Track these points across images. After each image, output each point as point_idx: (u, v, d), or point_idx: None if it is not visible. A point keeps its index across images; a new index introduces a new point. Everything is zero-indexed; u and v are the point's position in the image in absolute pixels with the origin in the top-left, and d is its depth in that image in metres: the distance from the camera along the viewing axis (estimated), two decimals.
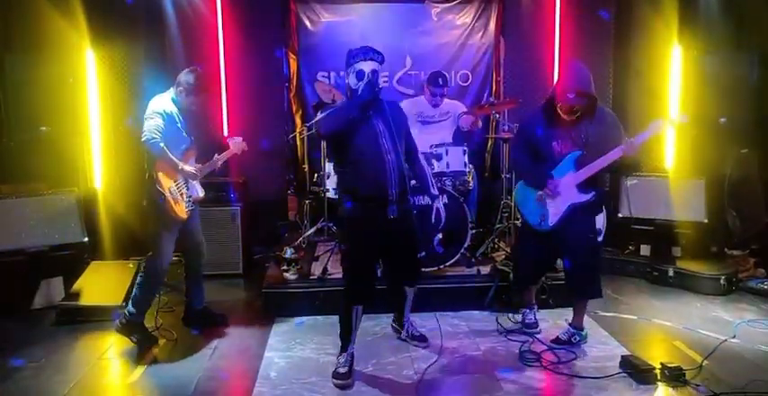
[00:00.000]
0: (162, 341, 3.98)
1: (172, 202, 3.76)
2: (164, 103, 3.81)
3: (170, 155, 3.74)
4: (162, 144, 3.66)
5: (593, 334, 4.00)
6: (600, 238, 4.17)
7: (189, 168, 3.88)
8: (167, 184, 3.78)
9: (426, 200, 3.99)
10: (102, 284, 4.65)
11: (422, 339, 3.89)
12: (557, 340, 3.88)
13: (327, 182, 5.10)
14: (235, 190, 5.44)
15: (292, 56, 6.02)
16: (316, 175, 5.45)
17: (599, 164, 3.58)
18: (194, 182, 3.99)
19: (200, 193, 4.06)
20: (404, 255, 3.59)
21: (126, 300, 4.26)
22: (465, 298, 4.49)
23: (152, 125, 3.67)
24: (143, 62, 5.61)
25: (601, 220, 4.19)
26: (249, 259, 5.51)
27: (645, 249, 5.37)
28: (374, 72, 3.29)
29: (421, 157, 3.67)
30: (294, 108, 6.11)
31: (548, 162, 3.71)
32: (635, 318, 4.29)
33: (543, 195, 3.71)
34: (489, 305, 4.44)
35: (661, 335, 4.03)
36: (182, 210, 3.83)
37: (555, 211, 3.70)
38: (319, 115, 3.43)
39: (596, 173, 3.63)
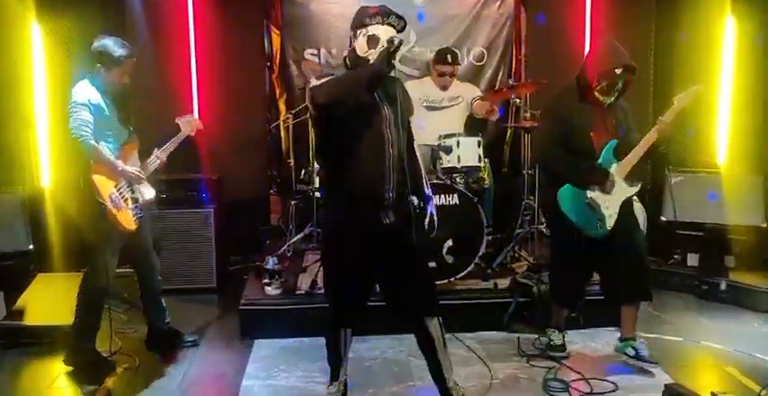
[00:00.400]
0: (120, 369, 3.97)
1: (114, 211, 3.70)
2: (86, 91, 3.73)
3: (105, 154, 3.70)
4: (93, 141, 3.63)
5: (631, 359, 3.99)
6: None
7: (130, 169, 3.83)
8: (107, 190, 3.71)
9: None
10: (51, 300, 4.64)
11: None
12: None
13: (316, 180, 5.11)
14: (207, 189, 5.44)
15: (275, 30, 6.02)
16: (303, 170, 5.45)
17: (640, 150, 3.66)
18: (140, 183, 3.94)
19: (149, 195, 3.97)
20: (408, 273, 3.24)
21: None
22: (480, 316, 4.49)
23: (78, 120, 3.62)
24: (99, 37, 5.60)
25: (642, 217, 4.22)
26: (224, 271, 5.52)
27: (692, 259, 5.37)
28: (391, 40, 2.94)
29: (418, 148, 3.45)
30: (277, 92, 6.11)
31: (582, 157, 3.74)
32: (680, 339, 4.29)
33: (595, 195, 3.75)
34: (509, 325, 4.45)
35: (711, 359, 4.04)
36: (128, 219, 3.78)
37: (611, 211, 3.76)
38: (314, 82, 3.13)
39: (640, 161, 3.72)
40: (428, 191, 3.45)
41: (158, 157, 4.01)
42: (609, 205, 3.75)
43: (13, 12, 5.24)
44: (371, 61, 3.03)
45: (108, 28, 5.53)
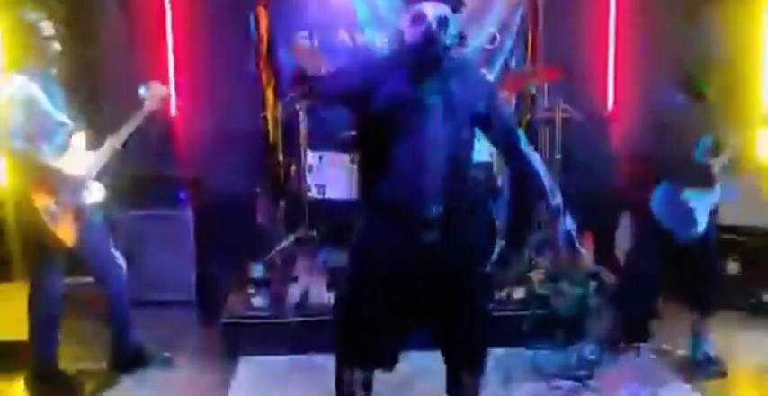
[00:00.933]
0: (93, 384, 3.99)
1: (51, 224, 3.68)
2: (12, 87, 3.64)
3: (40, 159, 3.65)
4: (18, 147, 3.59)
5: (664, 379, 4.01)
6: None
7: (72, 172, 3.77)
8: (42, 201, 3.67)
9: None
10: (13, 314, 4.63)
11: None
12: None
13: (309, 177, 5.11)
14: (185, 187, 5.44)
15: (262, 11, 6.01)
16: (293, 167, 5.45)
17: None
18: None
19: (97, 197, 3.93)
20: (450, 315, 2.87)
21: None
22: (492, 331, 4.48)
23: None
24: (63, 19, 5.60)
25: None
26: (204, 280, 5.51)
27: (733, 267, 5.37)
28: (441, 19, 2.66)
29: (529, 149, 2.93)
30: (265, 79, 6.10)
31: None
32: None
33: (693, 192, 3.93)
34: (526, 340, 4.45)
35: (758, 378, 4.08)
36: (66, 232, 3.75)
37: (703, 209, 3.93)
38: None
39: None
40: (554, 201, 2.89)
41: (112, 145, 3.90)
42: (703, 202, 3.97)
43: None
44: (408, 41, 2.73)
45: (71, 13, 5.58)
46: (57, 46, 3.77)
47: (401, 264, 2.76)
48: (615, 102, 6.15)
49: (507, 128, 2.92)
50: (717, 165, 3.89)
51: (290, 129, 5.71)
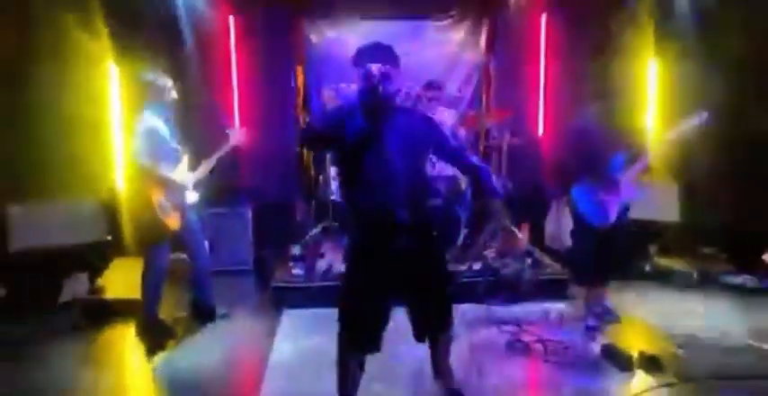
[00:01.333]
0: (182, 331, 4.00)
1: (162, 215, 3.76)
2: (144, 121, 3.77)
3: (156, 171, 3.72)
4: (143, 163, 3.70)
5: (577, 326, 4.01)
6: None
7: (179, 181, 3.86)
8: (156, 198, 3.75)
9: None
10: (125, 280, 4.66)
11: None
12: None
13: (332, 185, 5.12)
14: (246, 194, 5.47)
15: (300, 69, 6.02)
16: (321, 178, 5.45)
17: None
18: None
19: (194, 198, 3.98)
20: (425, 296, 2.77)
21: None
22: (458, 292, 4.48)
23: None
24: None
25: None
26: (259, 257, 5.50)
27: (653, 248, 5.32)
28: (378, 75, 2.52)
29: (478, 161, 2.84)
30: (301, 119, 6.10)
31: None
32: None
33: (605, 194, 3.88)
34: (480, 298, 4.44)
35: (639, 325, 4.03)
36: (172, 221, 3.82)
37: (613, 207, 3.83)
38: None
39: None
40: (497, 196, 2.86)
41: (208, 165, 4.01)
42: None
43: (95, 54, 5.26)
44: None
45: (170, 70, 5.59)
46: (174, 93, 3.89)
47: (384, 259, 2.62)
48: (544, 131, 6.15)
49: (454, 150, 2.79)
50: (625, 177, 3.79)
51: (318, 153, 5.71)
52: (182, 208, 3.89)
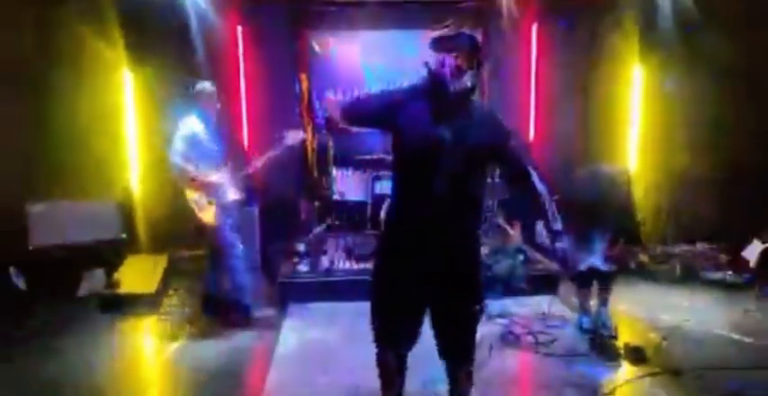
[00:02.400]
0: (192, 323, 3.98)
1: (197, 210, 3.80)
2: (185, 125, 3.80)
3: (190, 170, 3.76)
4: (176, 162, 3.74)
5: (566, 318, 4.01)
6: None
7: (214, 180, 3.86)
8: (191, 195, 3.81)
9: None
10: (138, 275, 4.66)
11: None
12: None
13: (334, 186, 5.12)
14: (254, 193, 5.43)
15: (303, 76, 6.01)
16: (324, 179, 5.44)
17: None
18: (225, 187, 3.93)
19: (231, 197, 3.96)
20: (447, 320, 2.37)
21: (158, 288, 4.29)
22: None
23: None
24: (173, 82, 5.61)
25: None
26: (266, 253, 5.50)
27: None
28: (443, 61, 2.20)
29: (537, 182, 2.35)
30: (305, 122, 6.10)
31: None
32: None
33: None
34: None
35: (625, 318, 4.02)
36: (207, 216, 3.84)
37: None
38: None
39: None
40: (555, 226, 2.40)
41: (254, 165, 4.06)
42: None
43: (110, 60, 5.26)
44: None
45: (180, 77, 5.59)
46: (218, 103, 3.96)
47: (413, 273, 2.29)
48: (535, 133, 6.14)
49: (517, 164, 2.36)
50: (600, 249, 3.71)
51: (321, 154, 5.71)
52: (216, 204, 3.88)
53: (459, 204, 2.23)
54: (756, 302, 4.25)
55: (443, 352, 2.42)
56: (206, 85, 3.89)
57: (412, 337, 2.38)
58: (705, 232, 5.30)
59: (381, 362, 2.46)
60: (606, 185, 3.73)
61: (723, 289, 4.59)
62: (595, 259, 3.67)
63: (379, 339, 2.43)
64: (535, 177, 2.34)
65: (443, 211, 2.20)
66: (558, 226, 2.39)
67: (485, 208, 5.10)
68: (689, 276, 4.84)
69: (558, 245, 2.53)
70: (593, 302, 3.88)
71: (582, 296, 3.90)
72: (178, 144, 3.73)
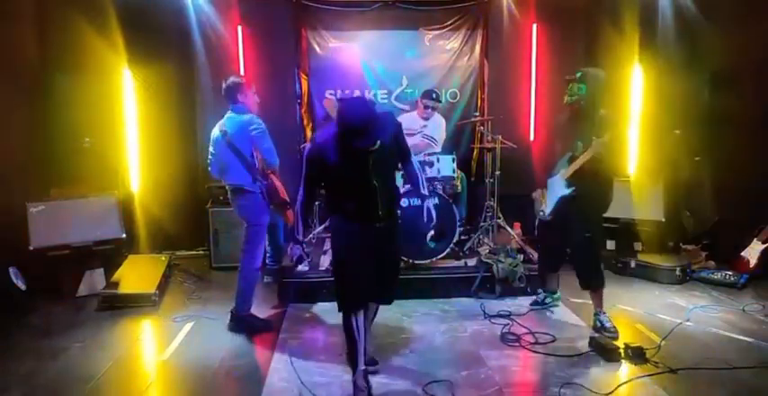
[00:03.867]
0: (191, 323, 3.98)
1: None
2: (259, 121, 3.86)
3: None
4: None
5: (567, 318, 4.01)
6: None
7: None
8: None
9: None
10: (138, 275, 4.66)
11: (371, 363, 3.17)
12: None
13: None
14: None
15: (303, 76, 6.01)
16: None
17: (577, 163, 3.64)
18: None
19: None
20: (383, 268, 3.06)
21: (158, 288, 4.30)
22: (454, 287, 4.49)
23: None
24: (173, 81, 5.62)
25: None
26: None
27: (610, 244, 5.36)
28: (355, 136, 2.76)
29: (415, 170, 3.23)
30: (305, 121, 6.10)
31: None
32: (583, 302, 4.16)
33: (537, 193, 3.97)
34: (475, 293, 4.44)
35: (624, 319, 4.02)
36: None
37: (549, 202, 3.83)
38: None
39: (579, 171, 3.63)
40: (424, 191, 3.33)
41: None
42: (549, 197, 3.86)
43: (111, 60, 5.26)
44: None
45: (180, 76, 5.59)
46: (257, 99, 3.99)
47: (362, 240, 2.93)
48: (535, 136, 6.14)
49: (406, 153, 3.14)
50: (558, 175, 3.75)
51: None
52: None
53: (387, 196, 3.00)
54: (755, 302, 4.24)
55: (379, 292, 3.07)
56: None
57: (367, 293, 2.99)
58: (704, 232, 5.30)
59: (348, 326, 2.93)
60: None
61: (722, 289, 4.59)
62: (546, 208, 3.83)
63: (345, 304, 2.96)
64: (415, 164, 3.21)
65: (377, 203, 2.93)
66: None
67: (483, 207, 5.14)
68: (688, 276, 4.83)
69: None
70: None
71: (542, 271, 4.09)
72: (269, 140, 3.79)
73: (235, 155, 3.75)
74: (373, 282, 2.99)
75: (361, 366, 2.90)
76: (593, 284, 3.79)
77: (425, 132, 5.18)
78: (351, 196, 2.95)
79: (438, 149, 5.16)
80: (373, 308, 3.25)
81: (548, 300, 4.20)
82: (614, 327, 3.70)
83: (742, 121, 5.07)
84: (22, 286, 4.35)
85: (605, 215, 3.88)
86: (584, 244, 3.72)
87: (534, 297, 4.27)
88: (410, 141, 5.08)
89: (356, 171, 2.86)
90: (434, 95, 5.12)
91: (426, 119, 5.19)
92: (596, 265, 3.79)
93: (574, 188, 3.66)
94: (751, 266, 4.72)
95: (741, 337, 3.65)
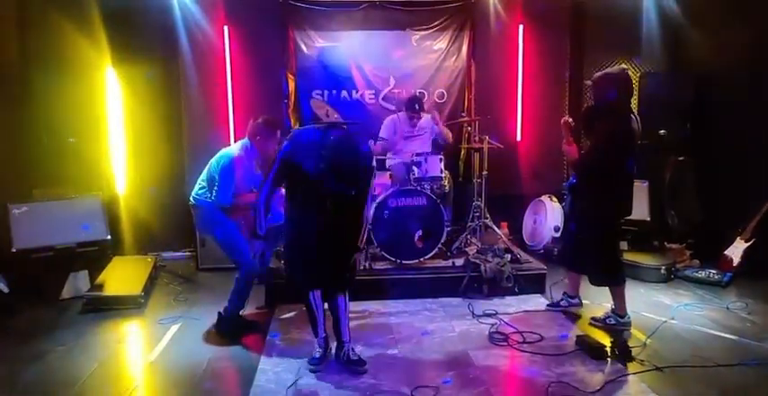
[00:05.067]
0: (178, 325, 3.95)
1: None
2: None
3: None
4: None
5: (554, 318, 4.02)
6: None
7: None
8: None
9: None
10: (123, 277, 4.61)
11: (359, 364, 3.28)
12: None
13: None
14: None
15: (291, 76, 5.98)
16: None
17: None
18: None
19: None
20: (339, 255, 3.29)
21: (144, 290, 4.26)
22: (442, 286, 4.49)
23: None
24: (159, 82, 5.57)
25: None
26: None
27: (624, 244, 5.30)
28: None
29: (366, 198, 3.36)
30: (292, 121, 6.06)
31: None
32: (588, 302, 4.27)
33: None
34: (463, 292, 4.45)
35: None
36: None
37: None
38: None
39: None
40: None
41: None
42: None
43: (94, 60, 5.21)
44: None
45: (166, 76, 5.54)
46: (276, 146, 3.90)
47: (315, 231, 3.15)
48: (522, 136, 6.17)
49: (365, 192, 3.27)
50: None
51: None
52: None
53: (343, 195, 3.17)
54: (739, 300, 4.29)
55: (333, 278, 3.30)
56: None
57: (324, 276, 3.28)
58: (689, 231, 5.35)
59: (309, 303, 3.32)
60: None
61: (707, 287, 4.64)
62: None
63: (305, 286, 3.30)
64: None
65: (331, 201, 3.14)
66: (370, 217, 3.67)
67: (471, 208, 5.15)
68: (673, 275, 4.88)
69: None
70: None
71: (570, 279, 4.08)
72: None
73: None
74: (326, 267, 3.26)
75: (321, 335, 3.39)
76: (592, 281, 3.90)
77: (420, 125, 5.26)
78: (311, 206, 3.14)
79: (441, 138, 5.25)
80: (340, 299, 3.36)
81: (563, 302, 4.16)
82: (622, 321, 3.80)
83: (726, 122, 5.13)
84: (5, 289, 4.28)
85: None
86: (580, 242, 3.84)
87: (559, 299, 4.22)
88: (410, 143, 5.19)
89: (323, 197, 3.10)
90: (417, 107, 5.16)
91: (414, 126, 5.25)
92: (597, 262, 3.80)
93: (573, 181, 3.80)
94: (735, 265, 4.77)
95: (725, 335, 3.69)
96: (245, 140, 3.91)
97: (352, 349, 3.33)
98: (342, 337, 3.35)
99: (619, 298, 3.82)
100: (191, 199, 3.91)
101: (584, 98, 5.94)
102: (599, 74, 3.68)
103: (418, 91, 5.87)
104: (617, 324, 3.80)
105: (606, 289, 3.87)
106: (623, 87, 3.57)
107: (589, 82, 3.74)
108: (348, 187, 3.13)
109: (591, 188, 3.71)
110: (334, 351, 3.39)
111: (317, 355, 3.34)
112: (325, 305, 3.41)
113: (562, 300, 4.17)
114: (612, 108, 3.58)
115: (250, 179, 3.88)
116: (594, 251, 3.78)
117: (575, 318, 4.03)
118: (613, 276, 3.81)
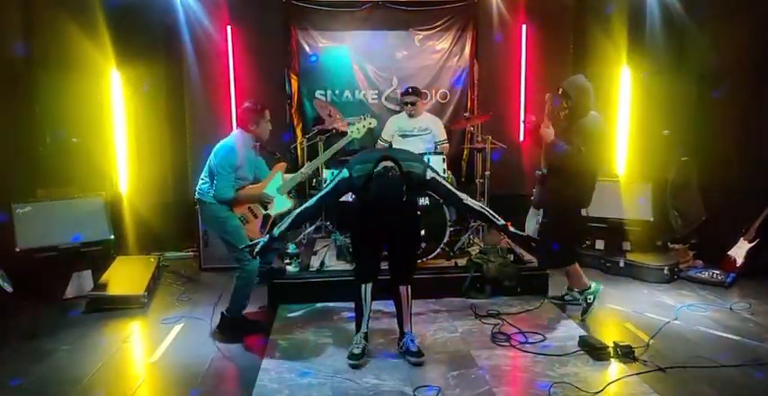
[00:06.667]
0: (181, 325, 3.96)
1: (243, 224, 3.83)
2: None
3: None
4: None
5: (557, 318, 4.02)
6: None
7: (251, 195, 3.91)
8: (240, 211, 3.84)
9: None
10: (127, 277, 4.63)
11: (414, 355, 3.36)
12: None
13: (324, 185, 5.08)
14: None
15: (293, 77, 6.00)
16: (314, 180, 5.43)
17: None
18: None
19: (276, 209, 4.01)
20: (402, 249, 3.47)
21: (147, 290, 4.26)
22: (445, 286, 4.49)
23: None
24: (162, 82, 5.59)
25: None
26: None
27: (599, 244, 5.39)
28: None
29: (468, 200, 3.34)
30: (295, 122, 6.08)
31: None
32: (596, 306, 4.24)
33: None
34: (466, 293, 4.45)
35: (613, 317, 4.05)
36: (251, 230, 3.86)
37: None
38: None
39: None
40: (499, 222, 3.34)
41: (303, 172, 4.11)
42: None
43: (99, 61, 5.23)
44: None
45: (169, 77, 5.56)
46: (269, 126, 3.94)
47: (378, 224, 3.27)
48: (525, 136, 6.16)
49: (447, 195, 3.30)
50: None
51: (312, 154, 5.68)
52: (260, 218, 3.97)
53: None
54: (742, 301, 4.28)
55: (397, 274, 3.44)
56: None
57: (376, 269, 3.45)
58: (692, 232, 5.34)
59: (358, 295, 3.40)
60: None
61: (710, 288, 4.63)
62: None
63: (359, 276, 3.43)
64: (464, 196, 3.28)
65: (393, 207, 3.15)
66: (501, 221, 3.27)
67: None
68: (676, 275, 4.87)
69: (512, 232, 3.28)
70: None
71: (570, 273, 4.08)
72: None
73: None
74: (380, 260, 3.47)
75: (363, 330, 3.44)
76: (540, 263, 4.28)
77: (421, 125, 5.22)
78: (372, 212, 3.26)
79: (440, 138, 5.21)
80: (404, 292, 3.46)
81: (567, 297, 4.25)
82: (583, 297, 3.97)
83: (729, 122, 5.12)
84: (9, 288, 4.30)
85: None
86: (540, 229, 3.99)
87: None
88: (409, 143, 5.17)
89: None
90: (410, 90, 5.12)
91: (412, 117, 5.19)
92: (547, 247, 3.89)
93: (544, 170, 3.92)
94: (738, 265, 4.76)
95: (728, 336, 3.69)
96: (238, 131, 3.87)
97: (412, 341, 3.40)
98: (402, 327, 3.46)
99: (571, 277, 4.01)
100: (195, 193, 3.92)
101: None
102: (563, 82, 3.90)
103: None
104: (574, 299, 4.06)
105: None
106: (585, 92, 3.81)
107: (557, 91, 3.88)
108: (401, 203, 3.12)
109: (558, 179, 3.84)
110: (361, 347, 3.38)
111: (357, 351, 3.34)
112: (371, 304, 3.47)
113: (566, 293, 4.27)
114: (580, 111, 3.78)
115: (252, 165, 3.88)
116: (551, 236, 3.87)
117: (578, 317, 4.02)
118: (562, 261, 4.00)
